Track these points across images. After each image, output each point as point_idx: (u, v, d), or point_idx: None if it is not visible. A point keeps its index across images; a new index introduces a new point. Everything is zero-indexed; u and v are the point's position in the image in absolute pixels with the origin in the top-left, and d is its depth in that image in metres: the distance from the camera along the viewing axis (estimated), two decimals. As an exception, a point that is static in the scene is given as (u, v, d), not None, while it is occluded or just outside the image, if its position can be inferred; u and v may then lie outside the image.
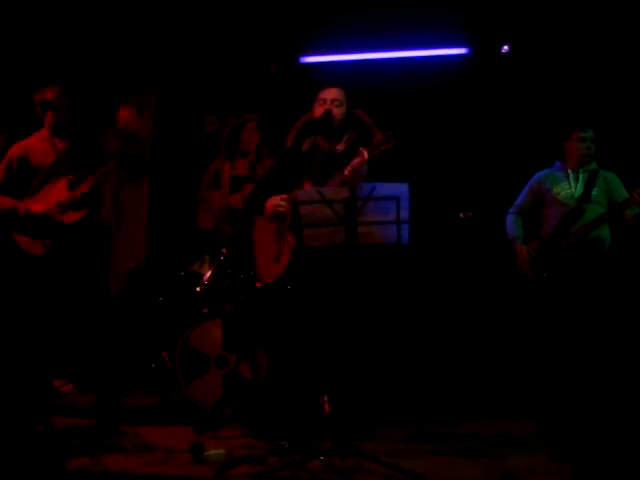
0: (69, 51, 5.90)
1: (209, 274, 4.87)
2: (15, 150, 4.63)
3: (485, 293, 5.49)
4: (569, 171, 4.71)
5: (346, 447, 3.60)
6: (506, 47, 5.55)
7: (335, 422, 3.80)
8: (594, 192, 4.62)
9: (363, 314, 3.95)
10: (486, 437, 4.31)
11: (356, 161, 3.90)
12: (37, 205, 4.50)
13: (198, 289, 4.87)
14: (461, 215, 5.34)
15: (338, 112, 4.17)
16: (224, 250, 4.90)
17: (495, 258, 5.26)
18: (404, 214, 3.59)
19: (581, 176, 4.68)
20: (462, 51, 5.72)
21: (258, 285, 4.52)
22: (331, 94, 4.19)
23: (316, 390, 4.11)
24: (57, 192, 4.52)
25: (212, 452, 3.76)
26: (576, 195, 4.63)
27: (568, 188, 4.67)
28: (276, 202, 4.13)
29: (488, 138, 5.68)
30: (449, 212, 5.52)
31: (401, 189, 3.59)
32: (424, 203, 4.82)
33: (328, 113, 4.13)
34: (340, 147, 4.22)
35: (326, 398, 4.07)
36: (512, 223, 4.84)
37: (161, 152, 5.96)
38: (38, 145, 4.60)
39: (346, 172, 3.93)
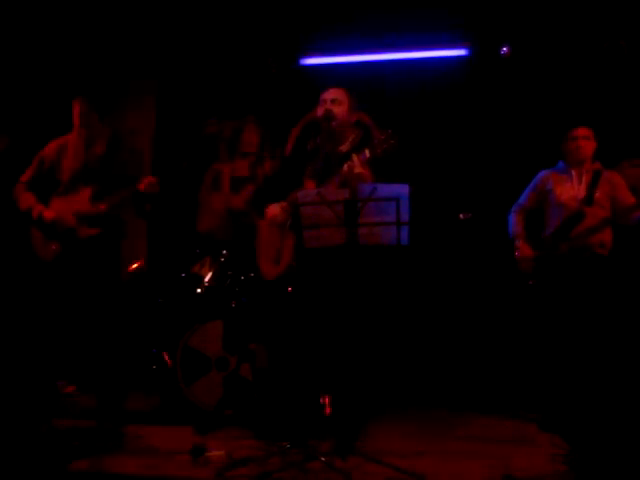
0: (68, 53, 5.91)
1: (210, 275, 4.88)
2: (48, 149, 4.64)
3: (485, 294, 5.49)
4: (572, 172, 4.69)
5: (347, 447, 3.61)
6: (505, 48, 5.56)
7: (336, 422, 3.81)
8: (597, 194, 4.58)
9: (363, 315, 3.95)
10: (486, 437, 4.31)
11: (355, 160, 3.92)
12: (51, 211, 4.50)
13: (199, 290, 4.87)
14: (461, 216, 5.35)
15: (338, 111, 4.20)
16: (225, 252, 4.91)
17: (495, 259, 5.26)
18: (404, 215, 3.60)
19: (584, 177, 4.66)
20: (462, 52, 5.72)
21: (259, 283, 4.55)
22: (332, 94, 4.24)
23: (317, 390, 4.12)
24: (79, 201, 4.51)
25: (213, 453, 3.77)
26: (579, 197, 4.61)
27: (571, 190, 4.65)
28: (274, 213, 4.19)
29: (488, 139, 5.68)
30: (449, 213, 5.53)
31: (401, 190, 3.59)
32: (424, 204, 4.85)
33: (328, 112, 4.16)
34: (344, 148, 4.24)
35: (327, 399, 4.07)
36: (514, 221, 4.83)
37: (161, 154, 5.97)
38: (71, 147, 4.61)
39: (345, 167, 3.94)
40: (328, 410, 4.04)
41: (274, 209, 4.25)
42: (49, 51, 5.87)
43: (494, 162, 5.63)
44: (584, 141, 4.66)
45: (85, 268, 4.46)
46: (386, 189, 3.62)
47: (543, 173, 4.81)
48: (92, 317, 4.49)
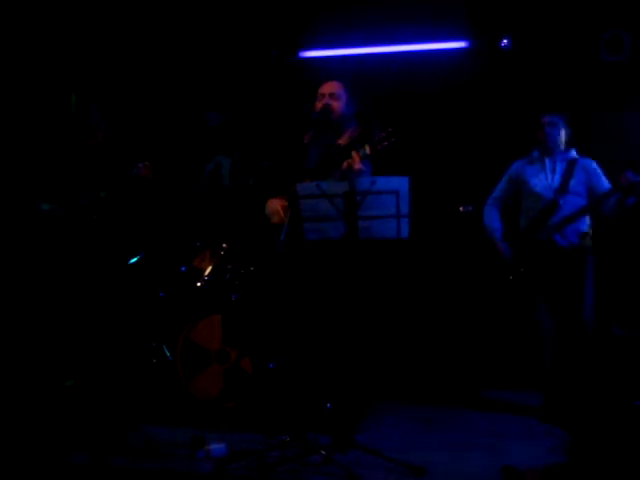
0: (71, 48, 5.90)
1: (210, 269, 4.88)
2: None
3: (485, 287, 5.48)
4: (546, 161, 4.64)
5: (346, 441, 3.61)
6: (506, 41, 5.54)
7: (336, 416, 3.81)
8: (572, 183, 4.53)
9: (363, 308, 3.95)
10: (486, 430, 4.31)
11: (355, 157, 3.90)
12: (47, 204, 4.53)
13: (199, 284, 4.87)
14: (461, 209, 5.34)
15: (336, 105, 4.19)
16: (225, 245, 4.91)
17: (495, 252, 5.25)
18: (404, 208, 3.59)
19: (558, 166, 4.60)
20: (462, 45, 5.70)
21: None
22: (328, 88, 4.23)
23: (317, 384, 4.12)
24: (80, 191, 4.53)
25: (213, 446, 3.77)
26: (553, 187, 4.57)
27: (545, 180, 4.61)
28: (272, 210, 4.21)
29: (488, 132, 5.67)
30: (449, 206, 5.52)
31: (401, 183, 3.59)
32: (424, 197, 4.83)
33: (326, 107, 4.16)
34: (342, 141, 4.22)
35: (327, 392, 4.07)
36: (489, 215, 4.81)
37: (162, 146, 5.96)
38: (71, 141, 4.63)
39: (344, 164, 3.93)
40: (328, 403, 4.04)
41: (274, 205, 4.24)
42: (49, 43, 5.86)
43: (494, 155, 5.61)
44: (550, 128, 4.60)
45: (82, 258, 4.49)
46: (386, 182, 3.61)
47: (516, 164, 4.78)
48: (92, 311, 4.50)
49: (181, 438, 3.95)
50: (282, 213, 4.18)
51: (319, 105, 4.20)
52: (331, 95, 4.20)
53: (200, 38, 6.00)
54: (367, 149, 3.89)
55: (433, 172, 5.59)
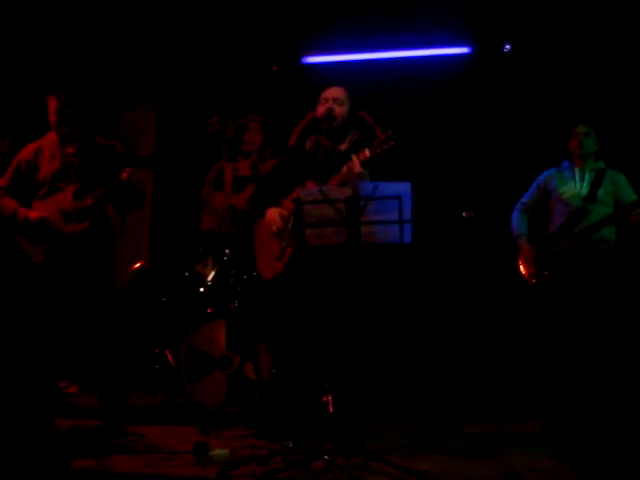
0: (71, 56, 5.91)
1: (213, 274, 4.88)
2: (25, 152, 4.62)
3: (487, 293, 5.49)
4: (576, 170, 4.73)
5: (350, 447, 3.61)
6: (508, 46, 5.55)
7: (339, 422, 3.81)
8: (600, 192, 4.64)
9: (366, 314, 3.94)
10: (489, 436, 4.30)
11: (355, 160, 3.90)
12: (35, 212, 4.49)
13: (202, 289, 4.87)
14: (464, 215, 5.35)
15: (340, 111, 4.18)
16: (227, 251, 4.91)
17: (498, 258, 5.25)
18: (406, 213, 3.59)
19: (587, 175, 4.70)
20: (464, 50, 5.72)
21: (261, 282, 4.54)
22: (332, 93, 4.22)
23: (320, 390, 4.11)
24: (62, 200, 4.51)
25: (216, 452, 3.76)
26: (582, 195, 4.66)
27: (574, 188, 4.69)
28: (271, 219, 4.17)
29: (491, 137, 5.67)
30: (452, 212, 5.53)
31: (403, 188, 3.59)
32: (427, 203, 4.84)
33: (329, 112, 4.15)
34: (343, 147, 4.22)
35: (330, 398, 4.06)
36: (517, 220, 4.88)
37: (164, 153, 5.97)
38: (47, 149, 4.59)
39: (344, 169, 3.93)
40: (331, 409, 4.03)
41: (272, 214, 4.22)
42: (50, 51, 5.86)
43: (497, 160, 5.62)
44: (585, 137, 4.72)
45: (77, 265, 4.47)
46: (388, 187, 3.61)
47: (547, 172, 4.86)
48: (91, 315, 4.50)
49: (184, 444, 3.94)
50: (280, 223, 4.16)
51: (322, 110, 4.19)
52: (335, 100, 4.18)
53: (202, 44, 6.01)
54: (367, 152, 3.89)
55: (436, 177, 5.59)
